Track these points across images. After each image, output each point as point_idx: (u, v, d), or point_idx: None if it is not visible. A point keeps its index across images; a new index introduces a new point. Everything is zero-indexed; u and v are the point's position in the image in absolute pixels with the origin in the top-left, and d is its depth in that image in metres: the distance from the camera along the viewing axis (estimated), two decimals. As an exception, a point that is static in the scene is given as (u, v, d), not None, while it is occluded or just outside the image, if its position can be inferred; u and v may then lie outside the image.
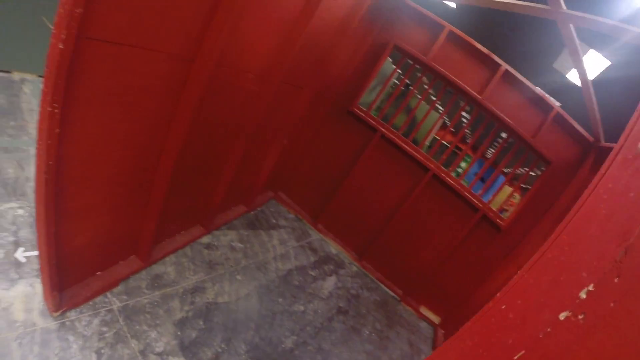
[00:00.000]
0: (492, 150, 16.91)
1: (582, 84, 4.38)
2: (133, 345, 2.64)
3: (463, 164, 9.80)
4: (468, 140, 7.37)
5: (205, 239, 4.41)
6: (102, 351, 2.47)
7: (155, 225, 3.24)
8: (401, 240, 5.90)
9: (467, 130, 5.79)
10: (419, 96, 6.38)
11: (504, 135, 5.71)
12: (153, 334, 2.83)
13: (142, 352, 2.64)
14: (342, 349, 4.15)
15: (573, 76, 7.43)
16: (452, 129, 5.62)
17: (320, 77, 4.89)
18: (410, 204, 5.71)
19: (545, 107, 5.03)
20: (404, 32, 5.36)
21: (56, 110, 1.78)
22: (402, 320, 5.45)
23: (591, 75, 6.76)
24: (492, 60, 5.02)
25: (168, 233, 3.81)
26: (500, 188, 5.57)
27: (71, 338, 2.42)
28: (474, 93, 5.11)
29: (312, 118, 5.71)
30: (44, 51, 1.69)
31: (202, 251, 4.20)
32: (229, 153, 4.07)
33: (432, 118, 7.29)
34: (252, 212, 5.63)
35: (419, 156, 5.57)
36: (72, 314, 2.57)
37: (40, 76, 4.21)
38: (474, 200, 5.41)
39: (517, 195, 5.76)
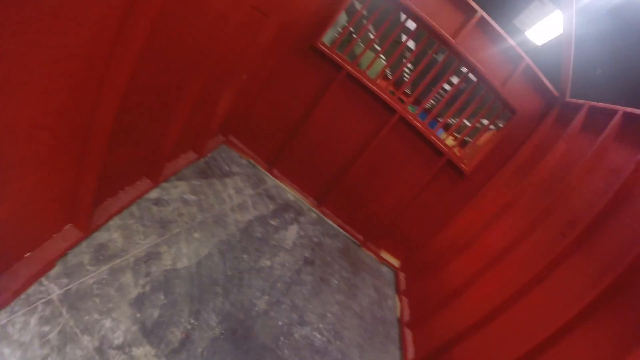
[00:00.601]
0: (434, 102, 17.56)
1: (564, 35, 4.23)
2: (85, 342, 2.10)
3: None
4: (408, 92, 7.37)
5: (154, 194, 3.77)
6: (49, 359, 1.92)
7: (96, 182, 2.51)
8: (362, 185, 5.73)
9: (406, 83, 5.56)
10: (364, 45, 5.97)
11: (447, 87, 5.75)
12: (108, 323, 2.31)
13: (99, 349, 2.12)
14: (315, 302, 3.98)
15: (532, 35, 7.38)
16: (392, 80, 5.50)
17: (288, 5, 4.21)
18: (373, 148, 5.47)
19: (516, 58, 4.91)
20: None
21: None
22: (364, 266, 5.42)
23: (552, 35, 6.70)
24: (469, 5, 4.75)
25: (110, 191, 3.11)
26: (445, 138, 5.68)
27: (6, 351, 1.79)
28: (448, 36, 4.82)
29: (273, 53, 4.99)
30: None
31: (151, 208, 3.58)
32: (187, 88, 3.34)
33: (377, 67, 7.02)
34: (202, 160, 4.98)
35: (386, 97, 5.24)
36: (0, 317, 1.92)
37: None
38: (440, 144, 5.30)
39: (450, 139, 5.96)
